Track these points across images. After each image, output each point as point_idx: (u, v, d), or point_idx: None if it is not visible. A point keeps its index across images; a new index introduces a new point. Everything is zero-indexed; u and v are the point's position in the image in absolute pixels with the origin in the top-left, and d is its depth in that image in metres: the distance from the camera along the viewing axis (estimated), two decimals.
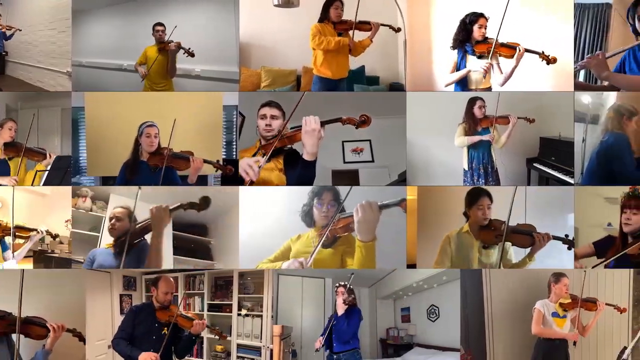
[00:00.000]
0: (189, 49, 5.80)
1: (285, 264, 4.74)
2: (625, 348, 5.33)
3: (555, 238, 5.05)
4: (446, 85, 5.72)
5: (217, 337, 5.37)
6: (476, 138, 5.79)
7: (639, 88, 5.15)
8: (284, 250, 4.99)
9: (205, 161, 5.20)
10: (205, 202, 5.00)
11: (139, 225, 4.95)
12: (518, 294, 5.40)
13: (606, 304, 5.13)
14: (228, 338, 6.28)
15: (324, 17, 5.70)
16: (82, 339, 4.78)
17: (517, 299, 5.40)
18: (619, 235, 4.88)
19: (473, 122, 5.77)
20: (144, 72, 5.95)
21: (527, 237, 5.04)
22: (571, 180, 5.59)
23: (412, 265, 5.44)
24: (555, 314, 5.13)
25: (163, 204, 4.87)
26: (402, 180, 5.62)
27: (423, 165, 5.86)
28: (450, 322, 5.61)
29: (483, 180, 5.74)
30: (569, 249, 5.07)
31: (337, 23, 5.69)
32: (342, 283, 5.27)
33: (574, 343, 5.15)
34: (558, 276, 5.16)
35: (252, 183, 4.62)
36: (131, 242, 4.92)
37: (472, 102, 5.75)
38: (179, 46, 5.87)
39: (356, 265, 4.57)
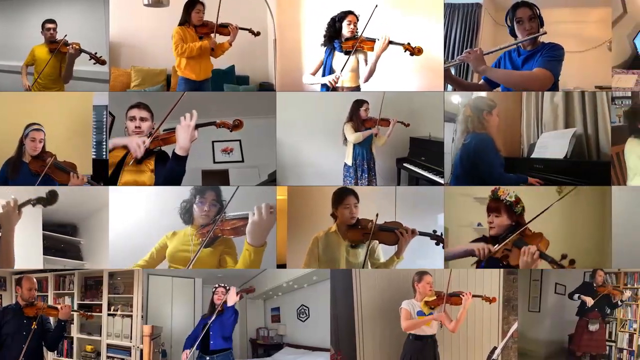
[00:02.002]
0: (96, 53, 5.52)
1: None
2: (495, 348, 5.36)
3: (423, 234, 5.08)
4: (305, 84, 5.75)
5: (84, 318, 5.41)
6: (368, 132, 5.83)
7: (513, 82, 5.21)
8: (159, 249, 5.03)
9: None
10: (52, 196, 5.08)
11: None
12: (388, 294, 5.39)
13: (474, 296, 5.12)
14: (96, 338, 6.22)
15: (185, 19, 5.62)
16: None
17: (386, 298, 5.39)
18: (490, 237, 4.83)
19: (359, 123, 5.81)
20: (28, 85, 5.69)
21: (393, 234, 5.02)
22: (441, 180, 5.59)
23: (282, 265, 5.40)
24: (420, 313, 5.09)
25: (12, 199, 4.85)
26: (272, 180, 5.57)
27: (293, 165, 5.81)
28: (320, 322, 5.58)
29: (366, 175, 5.75)
30: (437, 244, 5.09)
31: (198, 26, 5.62)
32: (222, 284, 5.20)
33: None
34: (421, 275, 5.14)
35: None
36: None
37: (358, 104, 5.79)
38: (79, 50, 5.62)
39: (240, 267, 4.60)
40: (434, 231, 5.08)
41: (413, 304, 5.14)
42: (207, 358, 5.11)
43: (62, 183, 5.17)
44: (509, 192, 4.76)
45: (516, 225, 4.72)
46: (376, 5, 5.38)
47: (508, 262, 4.60)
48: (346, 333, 5.60)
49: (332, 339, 5.51)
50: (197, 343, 5.09)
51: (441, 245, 5.09)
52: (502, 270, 5.46)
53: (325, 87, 5.62)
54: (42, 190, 5.05)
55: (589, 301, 5.64)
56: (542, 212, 4.74)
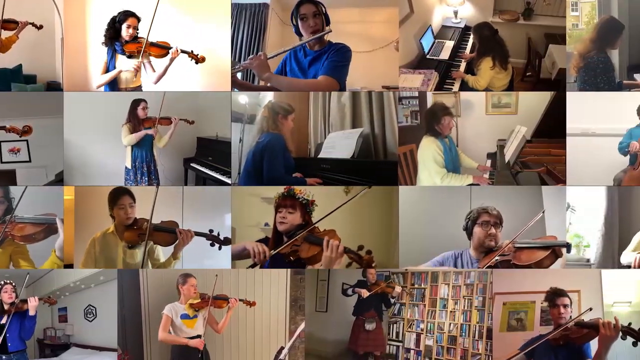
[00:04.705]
0: None
1: None
2: (282, 348, 5.34)
3: (198, 234, 5.04)
4: (98, 87, 5.65)
5: None
6: (142, 133, 5.75)
7: (297, 90, 5.15)
8: None
9: None
10: None
11: None
12: (174, 294, 5.35)
13: (238, 300, 5.17)
14: None
15: None
16: None
17: (173, 299, 5.35)
18: (272, 235, 4.78)
19: (137, 123, 5.73)
20: None
21: (170, 234, 5.00)
22: (228, 180, 5.59)
23: (69, 265, 5.36)
24: (185, 316, 5.09)
25: None
26: (59, 180, 5.55)
27: (81, 166, 5.78)
28: (108, 322, 5.57)
29: (146, 178, 5.72)
30: (212, 245, 5.03)
31: None
32: (8, 281, 5.16)
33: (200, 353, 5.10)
34: (185, 277, 5.14)
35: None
36: None
37: (136, 103, 5.72)
38: None
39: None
40: (210, 231, 5.03)
41: (176, 308, 5.14)
42: (4, 357, 5.07)
43: None
44: (305, 191, 4.72)
45: (305, 225, 4.68)
46: (154, 12, 5.37)
47: (298, 256, 4.50)
48: (133, 333, 5.59)
49: (120, 338, 5.50)
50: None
51: (217, 246, 5.04)
52: (289, 270, 5.46)
53: (110, 87, 5.66)
54: None
55: (364, 293, 5.64)
56: (332, 212, 4.65)
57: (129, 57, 5.53)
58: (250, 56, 5.05)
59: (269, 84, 5.12)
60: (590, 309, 4.55)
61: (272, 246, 4.63)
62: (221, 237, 5.05)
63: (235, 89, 5.45)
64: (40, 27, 5.49)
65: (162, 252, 5.20)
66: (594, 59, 5.40)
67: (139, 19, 5.51)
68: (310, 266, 4.51)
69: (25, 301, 5.07)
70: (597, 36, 5.44)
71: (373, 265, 4.34)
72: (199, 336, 5.11)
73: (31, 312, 5.06)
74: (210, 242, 5.04)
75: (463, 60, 6.03)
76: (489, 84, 5.71)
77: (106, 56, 5.61)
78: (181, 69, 5.53)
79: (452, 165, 5.53)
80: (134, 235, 5.05)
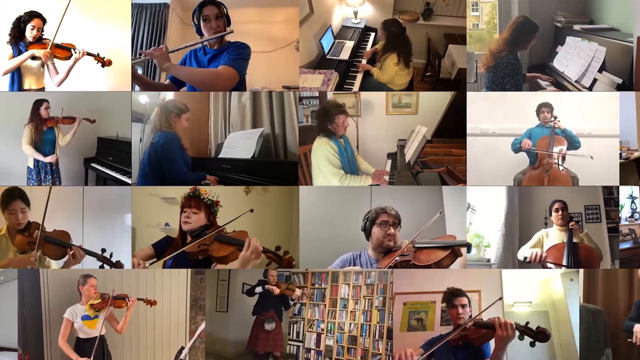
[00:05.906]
0: None
1: None
2: (182, 348, 5.34)
3: (89, 253, 4.97)
4: (4, 73, 5.55)
5: None
6: (39, 155, 5.75)
7: (197, 79, 5.10)
8: None
9: None
10: None
11: None
12: (75, 294, 5.34)
13: (137, 299, 5.15)
14: None
15: None
16: None
17: (73, 299, 5.34)
18: (178, 235, 4.77)
19: (40, 122, 5.69)
20: None
21: (60, 248, 4.93)
22: (128, 180, 5.57)
23: None
24: (86, 317, 5.08)
25: None
26: None
27: None
28: (8, 322, 5.55)
29: (50, 177, 5.69)
30: (102, 267, 4.96)
31: None
32: None
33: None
34: (85, 277, 5.12)
35: None
36: None
37: (38, 103, 5.69)
38: None
39: None
40: (103, 250, 4.95)
41: (76, 310, 5.13)
42: None
43: None
44: (210, 192, 4.72)
45: (210, 225, 4.67)
46: (63, 16, 5.35)
47: (208, 255, 4.48)
48: (34, 333, 5.56)
49: (20, 339, 5.48)
50: None
51: (108, 267, 4.97)
52: (189, 270, 5.46)
53: (17, 87, 5.60)
54: None
55: (275, 290, 5.65)
56: (239, 216, 4.67)
57: (33, 58, 5.49)
58: (153, 47, 5.03)
59: (168, 76, 5.19)
60: (497, 301, 4.52)
61: (177, 245, 4.64)
62: (113, 260, 4.99)
63: (137, 86, 5.42)
64: None
65: (55, 261, 5.14)
66: (504, 60, 5.40)
67: (44, 21, 5.47)
68: (222, 265, 4.47)
69: None
70: (511, 36, 5.43)
71: (294, 264, 4.30)
72: (102, 336, 5.16)
73: None
74: (101, 263, 4.96)
75: (364, 59, 6.01)
76: (391, 79, 5.70)
77: (12, 51, 5.55)
78: (83, 69, 5.49)
79: (349, 166, 5.48)
80: (24, 243, 4.95)
